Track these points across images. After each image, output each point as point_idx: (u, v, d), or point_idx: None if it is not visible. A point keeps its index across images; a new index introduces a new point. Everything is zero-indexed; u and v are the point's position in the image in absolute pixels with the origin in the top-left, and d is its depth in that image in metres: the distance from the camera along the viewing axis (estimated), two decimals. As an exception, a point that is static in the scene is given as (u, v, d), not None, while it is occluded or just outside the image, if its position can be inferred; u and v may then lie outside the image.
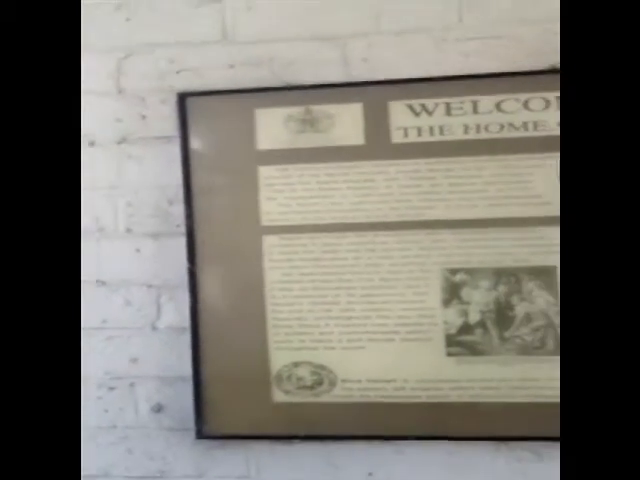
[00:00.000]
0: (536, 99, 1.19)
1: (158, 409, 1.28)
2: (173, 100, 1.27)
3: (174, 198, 1.27)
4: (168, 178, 1.27)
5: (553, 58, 1.18)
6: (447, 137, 1.21)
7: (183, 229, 1.26)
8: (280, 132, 1.25)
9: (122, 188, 1.29)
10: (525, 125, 1.19)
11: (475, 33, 1.21)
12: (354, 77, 1.24)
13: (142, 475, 1.28)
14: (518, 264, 1.18)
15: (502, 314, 1.18)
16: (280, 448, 1.25)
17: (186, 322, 1.26)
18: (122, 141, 1.29)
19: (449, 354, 1.19)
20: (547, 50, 1.19)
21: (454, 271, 1.20)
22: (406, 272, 1.21)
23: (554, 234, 1.17)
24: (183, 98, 1.27)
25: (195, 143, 1.27)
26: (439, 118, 1.21)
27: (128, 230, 1.28)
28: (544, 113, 1.19)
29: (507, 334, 1.18)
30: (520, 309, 1.18)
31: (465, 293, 1.19)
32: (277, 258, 1.24)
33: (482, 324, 1.18)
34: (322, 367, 1.22)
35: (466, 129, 1.20)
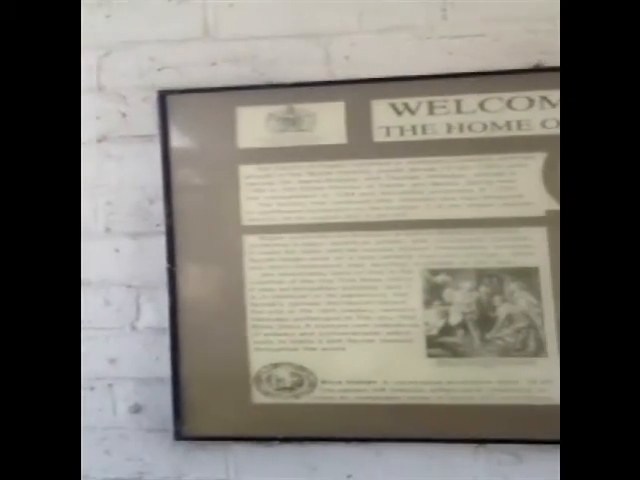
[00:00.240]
0: (520, 98, 1.18)
1: (137, 410, 1.26)
2: (154, 98, 1.26)
3: (154, 197, 1.26)
4: (148, 177, 1.25)
5: (537, 57, 1.17)
6: (430, 136, 1.20)
7: (163, 228, 1.24)
8: (261, 130, 1.23)
9: (102, 187, 1.28)
10: (508, 124, 1.18)
11: (459, 32, 1.21)
12: (337, 75, 1.23)
13: (120, 477, 1.27)
14: (500, 265, 1.17)
15: (484, 315, 1.17)
16: (259, 450, 1.23)
17: (165, 322, 1.24)
18: (102, 139, 1.28)
19: (430, 355, 1.18)
20: (531, 49, 1.18)
21: (435, 272, 1.19)
22: (387, 273, 1.20)
23: (536, 235, 1.16)
24: (164, 96, 1.26)
25: (176, 141, 1.26)
26: (422, 117, 1.20)
27: (107, 230, 1.27)
28: (527, 112, 1.18)
29: (488, 336, 1.17)
30: (502, 310, 1.17)
31: (446, 294, 1.18)
32: (257, 258, 1.23)
33: (463, 325, 1.17)
34: (302, 368, 1.21)
35: (449, 128, 1.19)
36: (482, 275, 1.17)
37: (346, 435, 1.22)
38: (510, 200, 1.17)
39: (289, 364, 1.22)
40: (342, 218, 1.21)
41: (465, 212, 1.18)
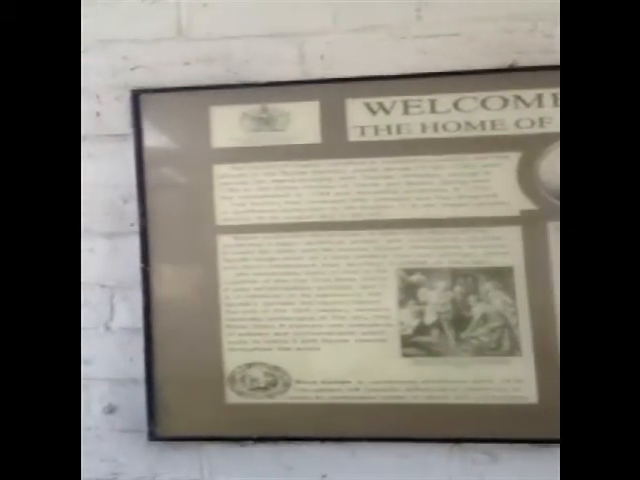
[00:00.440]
0: (494, 98, 1.18)
1: (111, 411, 1.26)
2: (127, 97, 1.25)
3: (128, 196, 1.25)
4: (122, 176, 1.25)
5: (511, 57, 1.17)
6: (404, 136, 1.20)
7: (137, 228, 1.23)
8: (235, 130, 1.23)
9: (75, 186, 1.26)
10: (483, 124, 1.18)
11: (433, 31, 1.20)
12: (311, 75, 1.22)
13: (94, 477, 1.26)
14: (475, 264, 1.17)
15: (458, 315, 1.17)
16: (233, 450, 1.23)
17: (140, 323, 1.23)
18: (76, 138, 1.26)
19: (405, 355, 1.18)
20: (505, 49, 1.18)
21: (410, 271, 1.18)
22: (362, 272, 1.19)
23: (511, 234, 1.16)
24: (137, 95, 1.25)
25: (149, 141, 1.25)
26: (397, 117, 1.20)
27: (82, 229, 1.26)
28: (501, 112, 1.18)
29: (463, 335, 1.17)
30: (477, 310, 1.17)
31: (421, 294, 1.18)
32: (232, 258, 1.22)
33: (438, 325, 1.17)
34: (276, 368, 1.20)
35: (424, 128, 1.19)
36: (457, 275, 1.17)
37: (321, 435, 1.21)
38: (485, 200, 1.17)
39: (263, 364, 1.21)
40: (316, 218, 1.20)
41: (440, 212, 1.18)
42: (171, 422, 1.24)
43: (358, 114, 1.21)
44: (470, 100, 1.18)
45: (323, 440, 1.21)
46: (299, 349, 1.21)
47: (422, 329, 1.18)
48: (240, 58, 1.24)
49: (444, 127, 1.18)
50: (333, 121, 1.21)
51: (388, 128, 1.20)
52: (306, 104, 1.22)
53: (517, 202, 1.16)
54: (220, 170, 1.23)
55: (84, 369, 1.26)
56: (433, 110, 1.19)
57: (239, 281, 1.22)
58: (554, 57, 1.16)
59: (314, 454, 1.22)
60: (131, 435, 1.26)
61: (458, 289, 1.17)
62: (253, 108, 1.23)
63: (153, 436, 1.24)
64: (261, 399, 1.21)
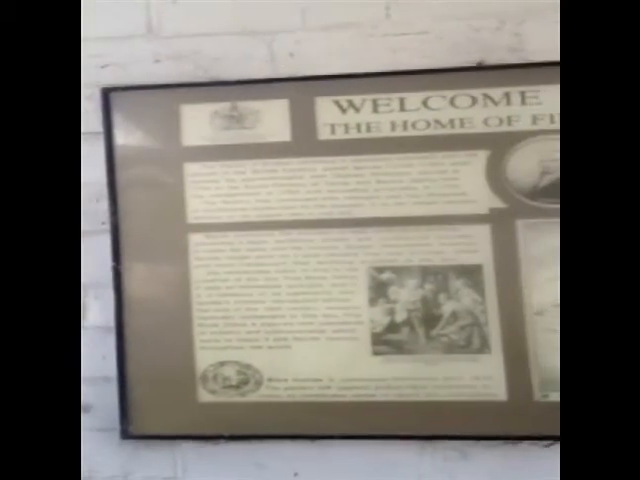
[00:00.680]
0: (462, 96, 1.18)
1: (84, 409, 1.26)
2: (98, 95, 1.24)
3: (100, 195, 1.25)
4: (93, 174, 1.25)
5: (479, 55, 1.17)
6: (374, 134, 1.20)
7: (109, 227, 1.23)
8: (206, 128, 1.23)
9: (46, 184, 1.26)
10: (451, 122, 1.18)
11: (402, 30, 1.20)
12: (280, 73, 1.22)
13: (67, 476, 1.25)
14: (445, 262, 1.18)
15: (429, 313, 1.18)
16: (206, 448, 1.23)
17: (112, 321, 1.23)
18: (46, 136, 1.26)
19: (375, 353, 1.18)
20: (473, 47, 1.18)
21: (381, 269, 1.19)
22: (332, 270, 1.20)
23: (480, 232, 1.16)
24: (107, 93, 1.25)
25: (120, 139, 1.25)
26: (366, 115, 1.20)
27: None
28: (470, 110, 1.18)
29: (433, 333, 1.17)
30: (447, 308, 1.17)
31: (392, 292, 1.18)
32: (203, 256, 1.22)
33: (409, 323, 1.18)
34: (248, 366, 1.21)
35: (393, 126, 1.19)
36: (427, 273, 1.18)
37: (292, 433, 1.22)
38: (454, 198, 1.17)
39: (235, 362, 1.22)
40: (287, 216, 1.21)
41: (410, 210, 1.18)
42: (144, 420, 1.24)
43: (328, 112, 1.21)
44: (439, 98, 1.18)
45: (295, 438, 1.22)
46: (270, 347, 1.21)
47: (393, 327, 1.18)
48: (210, 56, 1.24)
49: (413, 125, 1.19)
50: (303, 119, 1.21)
51: (358, 126, 1.20)
52: (276, 102, 1.22)
53: (486, 200, 1.16)
54: (191, 168, 1.23)
55: (57, 368, 1.25)
56: (402, 108, 1.19)
57: (210, 279, 1.22)
58: (521, 55, 1.16)
59: (286, 452, 1.22)
60: (104, 433, 1.26)
61: (428, 287, 1.18)
62: (223, 106, 1.23)
63: (126, 434, 1.24)
64: (233, 397, 1.22)
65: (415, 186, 1.18)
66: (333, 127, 1.20)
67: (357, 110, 1.20)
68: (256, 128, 1.21)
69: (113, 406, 1.24)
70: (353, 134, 1.20)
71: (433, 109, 1.18)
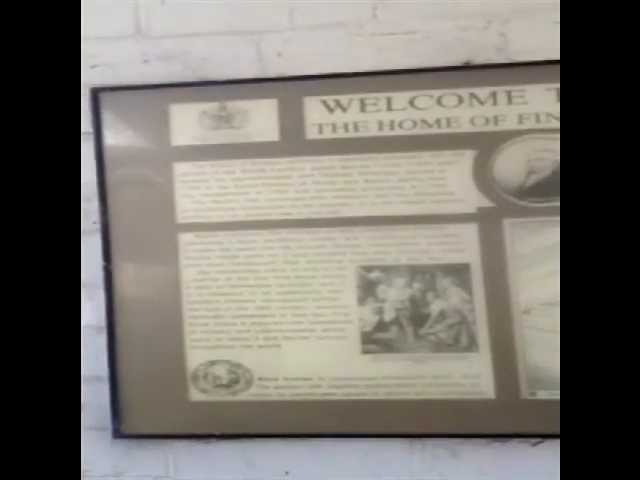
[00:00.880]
0: (449, 96, 1.18)
1: (76, 408, 1.26)
2: (87, 95, 1.25)
3: (90, 195, 1.25)
4: (84, 174, 1.24)
5: (466, 55, 1.17)
6: (362, 134, 1.20)
7: (99, 226, 1.24)
8: (195, 128, 1.23)
9: (36, 185, 1.26)
10: (438, 122, 1.18)
11: (389, 29, 1.21)
12: (269, 73, 1.23)
13: (60, 475, 1.26)
14: (433, 261, 1.18)
15: (417, 311, 1.18)
16: (198, 447, 1.24)
17: (104, 321, 1.23)
18: (36, 137, 1.26)
19: (364, 352, 1.19)
20: (460, 47, 1.18)
21: (369, 269, 1.19)
22: (321, 270, 1.20)
23: (467, 231, 1.17)
24: (96, 93, 1.25)
25: (110, 139, 1.25)
26: (354, 114, 1.20)
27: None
28: (457, 110, 1.18)
29: (422, 331, 1.18)
30: (435, 306, 1.18)
31: (380, 291, 1.19)
32: (193, 256, 1.23)
33: (397, 321, 1.18)
34: (238, 365, 1.21)
35: (380, 125, 1.19)
36: (415, 272, 1.18)
37: (283, 431, 1.23)
38: (441, 197, 1.18)
39: (226, 361, 1.22)
40: (275, 215, 1.21)
41: (397, 209, 1.19)
42: (136, 420, 1.25)
43: (316, 112, 1.21)
44: (426, 98, 1.18)
45: (285, 437, 1.23)
46: (261, 346, 1.22)
47: (381, 326, 1.19)
48: (198, 56, 1.24)
49: (400, 125, 1.19)
50: (291, 119, 1.22)
51: (345, 126, 1.20)
52: (264, 102, 1.22)
53: (473, 199, 1.17)
54: (180, 168, 1.23)
55: (48, 367, 1.26)
56: (389, 108, 1.19)
57: (201, 279, 1.23)
58: (507, 55, 1.17)
59: (277, 450, 1.23)
60: (96, 433, 1.27)
61: (416, 286, 1.18)
62: (212, 106, 1.23)
63: (118, 434, 1.25)
64: (224, 396, 1.23)
65: (402, 185, 1.19)
66: (321, 127, 1.20)
67: (344, 110, 1.20)
68: (244, 128, 1.21)
69: (105, 405, 1.25)
70: (341, 134, 1.20)
71: (420, 109, 1.18)
